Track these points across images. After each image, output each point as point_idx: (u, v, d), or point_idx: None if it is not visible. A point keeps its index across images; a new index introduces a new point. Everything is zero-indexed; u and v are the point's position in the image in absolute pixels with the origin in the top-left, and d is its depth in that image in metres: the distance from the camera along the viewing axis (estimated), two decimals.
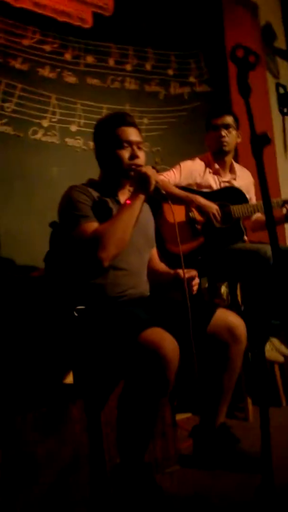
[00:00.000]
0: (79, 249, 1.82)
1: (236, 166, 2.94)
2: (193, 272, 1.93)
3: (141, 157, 1.97)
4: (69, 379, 1.94)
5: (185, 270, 1.89)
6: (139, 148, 1.97)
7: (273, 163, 3.60)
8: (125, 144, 1.95)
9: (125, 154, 1.95)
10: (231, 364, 1.98)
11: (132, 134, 1.97)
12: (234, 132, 2.80)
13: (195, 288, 1.92)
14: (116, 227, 1.80)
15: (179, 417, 2.53)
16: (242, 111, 1.32)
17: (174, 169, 2.80)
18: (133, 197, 1.86)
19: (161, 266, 2.16)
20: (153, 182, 1.84)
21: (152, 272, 2.10)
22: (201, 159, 2.87)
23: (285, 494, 1.44)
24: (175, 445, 2.06)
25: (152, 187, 1.84)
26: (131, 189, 1.95)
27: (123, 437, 1.66)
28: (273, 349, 2.61)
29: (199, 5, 3.68)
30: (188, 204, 2.69)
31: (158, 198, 1.93)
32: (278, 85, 3.79)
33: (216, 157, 2.86)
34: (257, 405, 2.60)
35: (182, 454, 2.09)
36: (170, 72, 3.49)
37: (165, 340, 1.60)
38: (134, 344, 1.61)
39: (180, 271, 1.91)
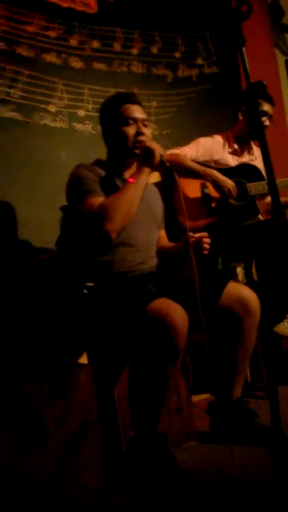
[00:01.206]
0: (86, 223, 1.82)
1: (255, 148, 2.91)
2: (204, 233, 1.91)
3: (147, 133, 1.97)
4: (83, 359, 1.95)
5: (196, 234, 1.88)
6: (144, 125, 1.97)
7: (284, 141, 3.54)
8: (130, 121, 1.95)
9: (131, 131, 1.95)
10: (244, 337, 1.96)
11: (136, 111, 1.97)
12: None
13: (206, 246, 1.90)
14: (122, 200, 1.79)
15: (197, 398, 2.52)
16: None
17: (191, 145, 2.77)
18: (138, 171, 1.85)
19: (170, 244, 2.15)
20: (158, 156, 1.83)
21: (161, 250, 2.09)
22: (221, 137, 2.84)
23: None
24: (191, 421, 2.05)
25: (157, 160, 1.83)
26: None
27: (135, 407, 1.66)
28: None
29: None
30: (204, 178, 2.66)
31: (163, 171, 1.92)
32: (287, 61, 3.74)
33: (240, 139, 2.83)
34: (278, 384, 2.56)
35: (200, 432, 2.08)
36: (177, 54, 3.46)
37: (173, 309, 1.59)
38: (142, 315, 1.60)
39: (189, 234, 1.89)
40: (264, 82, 1.26)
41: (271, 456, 1.28)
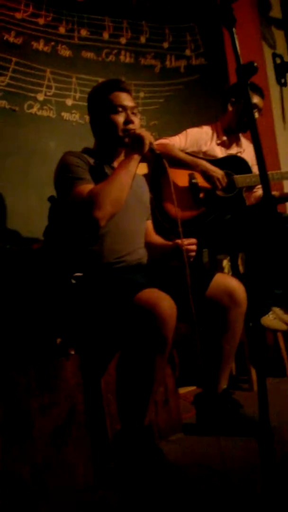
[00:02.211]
0: (75, 211, 1.80)
1: (243, 140, 2.91)
2: (192, 240, 1.92)
3: (136, 122, 1.95)
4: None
5: (184, 239, 1.87)
6: (133, 113, 1.95)
7: (271, 134, 3.55)
8: (119, 109, 1.93)
9: (120, 119, 1.93)
10: (231, 328, 1.97)
11: (126, 99, 1.95)
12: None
13: (192, 254, 1.91)
14: (112, 187, 1.77)
15: (183, 390, 2.53)
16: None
17: (180, 135, 2.77)
18: (127, 158, 1.83)
19: (157, 239, 2.15)
20: (147, 143, 1.82)
21: (148, 246, 2.09)
22: (210, 128, 2.83)
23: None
24: (178, 413, 2.06)
25: (147, 147, 1.82)
26: None
27: (122, 399, 1.65)
28: (276, 318, 2.60)
29: None
30: (193, 168, 2.65)
31: (152, 160, 1.91)
32: (274, 55, 3.74)
33: (228, 131, 2.82)
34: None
35: (186, 423, 2.09)
36: (165, 45, 3.44)
37: (161, 299, 1.58)
38: (130, 305, 1.59)
39: (179, 241, 1.89)
40: (255, 64, 1.24)
41: (260, 447, 1.28)
